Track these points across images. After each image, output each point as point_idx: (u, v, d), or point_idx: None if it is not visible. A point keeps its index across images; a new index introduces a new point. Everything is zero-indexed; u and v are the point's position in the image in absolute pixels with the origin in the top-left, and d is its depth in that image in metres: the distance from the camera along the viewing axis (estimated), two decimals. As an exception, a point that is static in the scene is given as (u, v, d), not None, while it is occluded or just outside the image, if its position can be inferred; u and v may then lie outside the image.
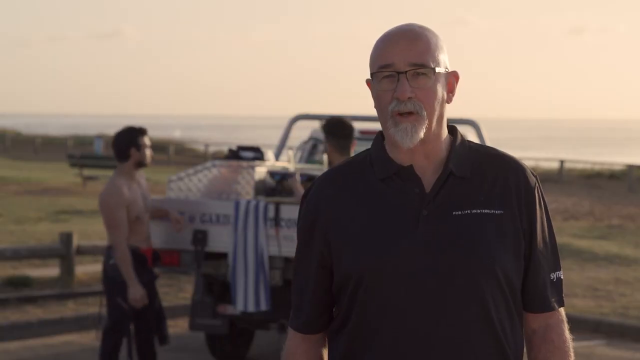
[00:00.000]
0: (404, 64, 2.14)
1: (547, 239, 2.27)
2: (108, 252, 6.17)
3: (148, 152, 6.27)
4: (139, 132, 6.27)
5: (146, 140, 6.27)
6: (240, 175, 6.95)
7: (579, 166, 31.66)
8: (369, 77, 2.23)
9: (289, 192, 6.64)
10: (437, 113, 2.17)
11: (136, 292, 6.07)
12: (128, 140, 6.21)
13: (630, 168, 26.26)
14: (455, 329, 2.13)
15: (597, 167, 30.75)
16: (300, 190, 6.43)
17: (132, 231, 6.18)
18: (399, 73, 2.14)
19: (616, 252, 13.03)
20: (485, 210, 2.17)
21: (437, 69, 2.16)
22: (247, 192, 6.90)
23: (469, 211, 2.16)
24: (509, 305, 2.19)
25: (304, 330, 2.31)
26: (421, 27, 2.19)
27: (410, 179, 2.19)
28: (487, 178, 2.21)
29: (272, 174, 6.88)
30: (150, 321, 6.28)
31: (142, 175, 6.37)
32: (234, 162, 7.11)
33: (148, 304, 6.19)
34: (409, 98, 2.13)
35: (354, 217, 2.20)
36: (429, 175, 2.20)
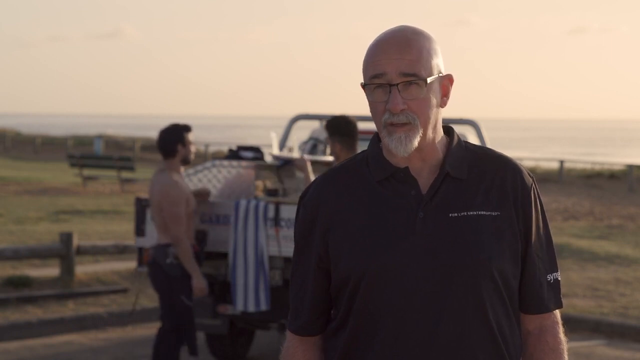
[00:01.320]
0: (395, 74, 2.12)
1: (544, 240, 2.26)
2: (164, 251, 6.12)
3: (193, 149, 6.27)
4: (184, 128, 6.26)
5: (191, 137, 6.27)
6: (240, 174, 6.95)
7: (579, 166, 31.65)
8: (362, 81, 2.22)
9: (291, 175, 6.55)
10: (431, 121, 2.17)
11: (201, 282, 6.10)
12: (175, 137, 6.18)
13: (630, 168, 26.24)
14: (454, 330, 2.13)
15: (597, 167, 30.73)
16: (310, 176, 6.28)
17: (187, 227, 6.18)
18: (390, 85, 2.12)
19: (616, 252, 13.03)
20: (482, 212, 2.17)
21: (430, 79, 2.14)
22: (247, 192, 6.91)
23: (465, 213, 2.16)
24: (506, 306, 2.19)
25: (302, 332, 2.31)
26: (413, 32, 2.16)
27: (406, 181, 2.19)
28: (483, 179, 2.21)
29: (276, 157, 6.84)
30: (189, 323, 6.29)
31: None
32: (234, 162, 7.12)
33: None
34: (401, 110, 2.13)
35: (351, 219, 2.19)
36: (425, 177, 2.20)
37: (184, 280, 6.11)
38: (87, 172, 23.93)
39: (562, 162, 28.73)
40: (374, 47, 2.17)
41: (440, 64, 2.19)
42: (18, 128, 60.71)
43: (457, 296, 2.13)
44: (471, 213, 2.16)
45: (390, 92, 2.13)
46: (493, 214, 2.17)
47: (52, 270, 10.46)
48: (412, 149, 2.14)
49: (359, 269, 2.16)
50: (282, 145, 8.71)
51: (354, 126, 6.21)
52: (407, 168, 2.19)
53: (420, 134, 2.15)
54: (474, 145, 2.27)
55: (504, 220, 2.18)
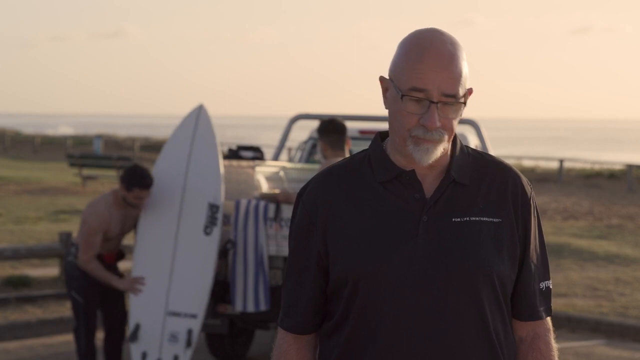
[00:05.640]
0: (437, 92, 2.10)
1: (539, 248, 2.27)
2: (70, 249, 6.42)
3: (136, 202, 6.34)
4: (140, 181, 6.32)
5: (140, 194, 6.30)
6: (240, 174, 6.94)
7: (579, 166, 31.65)
8: (382, 75, 2.19)
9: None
10: (454, 132, 2.18)
11: (121, 283, 6.31)
12: (125, 179, 6.31)
13: (630, 168, 26.23)
14: (453, 334, 2.13)
15: (596, 167, 30.73)
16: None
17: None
18: (430, 102, 2.10)
19: (616, 252, 13.04)
20: (484, 218, 2.17)
21: (465, 98, 2.14)
22: (247, 192, 6.90)
23: (468, 218, 2.16)
24: (503, 312, 2.20)
25: (298, 330, 2.29)
26: (453, 44, 2.14)
27: (411, 183, 2.18)
28: (485, 185, 2.21)
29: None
30: (121, 323, 6.45)
31: None
32: (234, 162, 7.12)
33: (116, 305, 6.39)
34: (436, 128, 2.12)
35: (353, 220, 2.18)
36: (429, 181, 2.19)
37: (78, 278, 6.23)
38: (86, 171, 23.90)
39: (561, 161, 28.73)
40: (416, 56, 2.12)
41: (468, 73, 2.18)
42: (18, 128, 60.64)
43: (457, 301, 2.12)
44: (473, 219, 2.16)
45: (429, 108, 2.10)
46: (494, 220, 2.18)
47: (51, 270, 10.46)
48: (435, 158, 2.14)
49: (359, 271, 2.14)
50: (282, 145, 8.71)
51: (339, 126, 6.30)
52: (413, 171, 2.18)
53: (445, 145, 2.15)
54: (474, 150, 2.27)
55: (504, 227, 2.18)
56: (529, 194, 2.24)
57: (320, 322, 2.29)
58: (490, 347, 2.16)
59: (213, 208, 6.31)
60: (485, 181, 2.21)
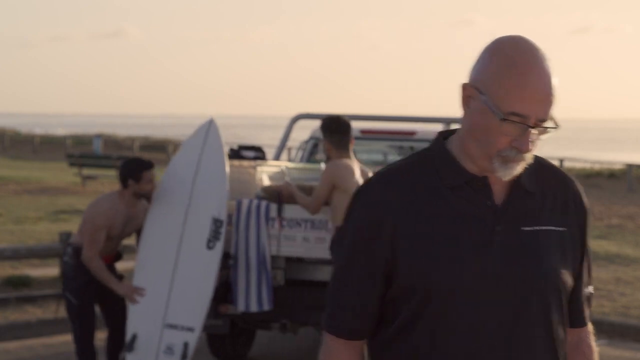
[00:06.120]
0: (534, 118, 2.05)
1: (587, 256, 2.30)
2: (66, 249, 6.48)
3: (149, 187, 6.38)
4: (143, 165, 6.35)
5: (148, 175, 6.34)
6: (242, 174, 6.94)
7: (579, 165, 31.66)
8: (466, 81, 2.12)
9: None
10: None
11: (121, 288, 6.30)
12: (127, 171, 6.32)
13: (630, 167, 26.23)
14: (524, 342, 2.11)
15: (596, 167, 30.75)
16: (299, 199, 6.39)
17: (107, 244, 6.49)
18: (528, 126, 2.05)
19: (616, 252, 13.04)
20: (551, 227, 2.16)
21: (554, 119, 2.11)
22: (248, 192, 6.90)
23: (537, 227, 2.14)
24: (563, 319, 2.20)
25: (352, 336, 2.20)
26: (547, 60, 2.09)
27: (482, 190, 2.13)
28: (548, 193, 2.19)
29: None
30: (122, 323, 6.43)
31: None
32: (235, 162, 7.11)
33: (117, 305, 6.39)
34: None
35: (423, 225, 2.10)
36: (498, 188, 2.14)
37: (74, 279, 6.24)
38: (86, 171, 23.90)
39: (561, 161, 28.75)
40: (517, 78, 2.06)
41: None
42: (18, 128, 60.62)
43: (529, 310, 2.11)
44: (543, 228, 2.14)
45: (525, 131, 2.06)
46: (560, 229, 2.17)
47: (51, 270, 10.45)
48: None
49: (432, 279, 2.08)
50: (283, 145, 8.70)
51: (344, 125, 6.25)
52: (486, 177, 2.12)
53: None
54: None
55: (568, 236, 2.19)
56: (585, 202, 2.25)
57: (373, 328, 2.21)
58: (552, 355, 2.17)
59: (217, 223, 6.30)
60: (549, 189, 2.19)
